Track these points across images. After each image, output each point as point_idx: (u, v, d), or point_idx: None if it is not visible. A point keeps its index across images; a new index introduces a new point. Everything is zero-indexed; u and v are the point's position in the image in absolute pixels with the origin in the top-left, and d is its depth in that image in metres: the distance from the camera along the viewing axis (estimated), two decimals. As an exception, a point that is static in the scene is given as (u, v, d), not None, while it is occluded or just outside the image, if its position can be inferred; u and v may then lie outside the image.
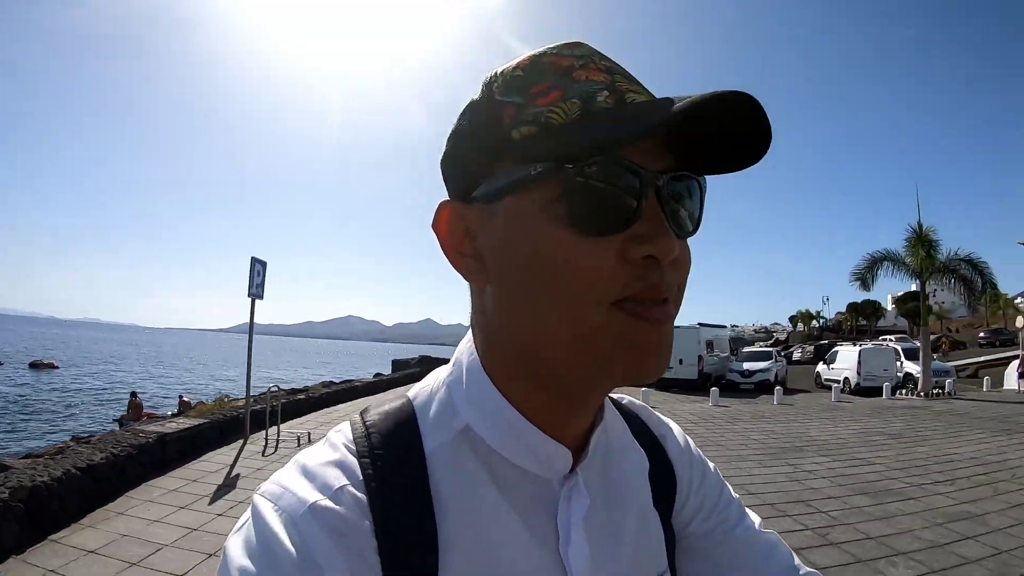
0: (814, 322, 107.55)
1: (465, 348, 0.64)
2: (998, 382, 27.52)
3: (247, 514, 0.54)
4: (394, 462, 0.57)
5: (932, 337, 46.94)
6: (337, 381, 21.57)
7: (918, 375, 24.11)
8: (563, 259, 0.51)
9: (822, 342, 54.52)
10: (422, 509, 0.55)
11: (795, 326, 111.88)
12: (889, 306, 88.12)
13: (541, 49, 0.56)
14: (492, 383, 0.59)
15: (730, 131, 0.52)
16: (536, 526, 0.59)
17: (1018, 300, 63.18)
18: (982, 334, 57.71)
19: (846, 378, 25.42)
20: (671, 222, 0.53)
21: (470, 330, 0.64)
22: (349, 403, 16.65)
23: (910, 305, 60.39)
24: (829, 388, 23.53)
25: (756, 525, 0.78)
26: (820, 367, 29.17)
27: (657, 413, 0.83)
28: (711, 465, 0.81)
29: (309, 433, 10.99)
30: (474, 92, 0.58)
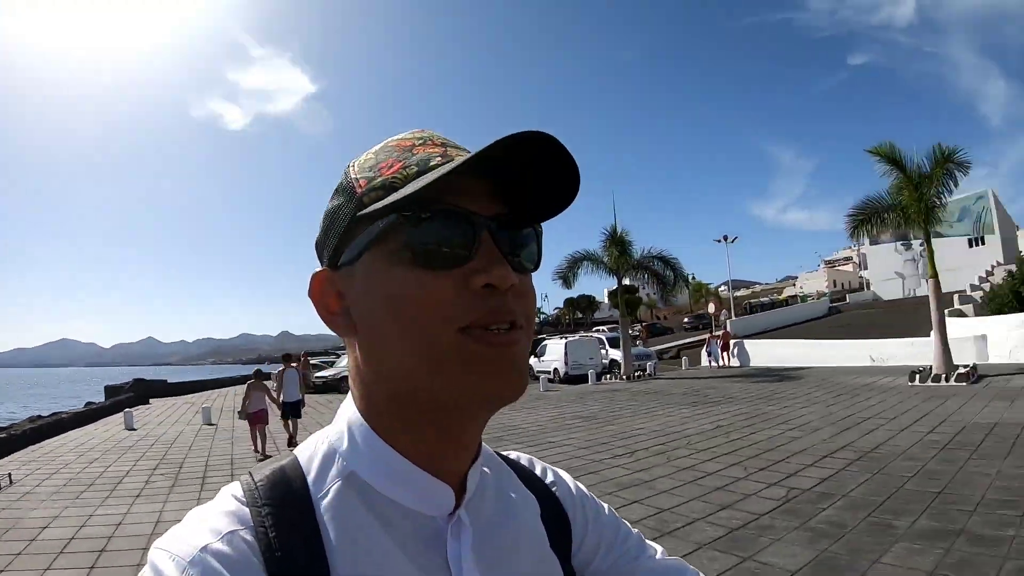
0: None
1: (347, 403, 0.72)
2: (696, 361, 33.12)
3: (144, 569, 0.59)
4: (284, 510, 0.63)
5: (640, 326, 53.94)
6: (46, 414, 21.94)
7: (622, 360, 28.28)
8: (409, 293, 0.62)
9: (540, 336, 59.15)
10: (313, 553, 0.61)
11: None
12: (605, 299, 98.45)
13: (391, 137, 0.72)
14: (371, 429, 0.68)
15: (544, 175, 0.65)
16: (427, 564, 0.65)
17: (721, 288, 74.18)
18: (686, 319, 67.66)
19: (555, 368, 29.20)
20: (508, 258, 0.64)
21: (350, 391, 0.73)
22: (57, 437, 16.62)
23: (623, 297, 68.26)
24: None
25: (659, 553, 0.89)
26: (532, 360, 32.12)
27: (544, 463, 0.92)
28: (605, 506, 0.92)
29: (10, 474, 10.93)
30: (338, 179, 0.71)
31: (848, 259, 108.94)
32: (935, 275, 18.40)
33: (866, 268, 78.11)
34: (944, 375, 16.70)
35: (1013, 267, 27.53)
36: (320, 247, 0.72)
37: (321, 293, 0.70)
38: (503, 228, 0.66)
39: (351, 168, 0.70)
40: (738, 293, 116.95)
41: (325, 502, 0.64)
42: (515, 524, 0.76)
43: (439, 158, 0.66)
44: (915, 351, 20.22)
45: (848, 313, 51.05)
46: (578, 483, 0.92)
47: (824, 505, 7.00)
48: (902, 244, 65.09)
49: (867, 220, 19.42)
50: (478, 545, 0.69)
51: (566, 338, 32.48)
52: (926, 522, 6.19)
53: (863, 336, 26.80)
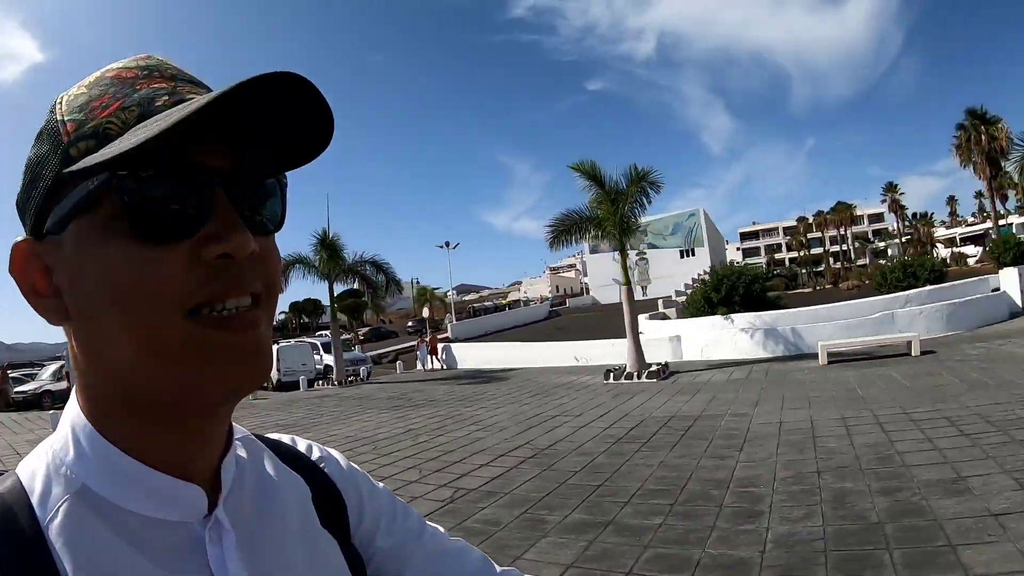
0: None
1: (71, 403, 0.64)
2: (412, 365, 33.78)
3: None
4: (6, 545, 0.55)
5: (354, 331, 54.28)
6: None
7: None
8: (129, 274, 0.53)
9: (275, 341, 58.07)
10: None
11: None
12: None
13: (109, 65, 0.62)
14: (98, 433, 0.60)
15: (291, 120, 0.58)
16: None
17: (449, 293, 77.15)
18: (410, 323, 69.15)
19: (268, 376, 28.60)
20: (247, 218, 0.58)
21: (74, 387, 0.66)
22: None
23: (348, 302, 69.28)
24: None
25: (442, 534, 0.89)
26: None
27: (309, 440, 0.89)
28: (380, 484, 0.90)
29: None
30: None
31: (572, 266, 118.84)
32: (628, 283, 20.46)
33: (587, 275, 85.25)
34: (636, 372, 18.17)
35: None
36: (21, 209, 0.62)
37: (24, 270, 0.60)
38: (241, 183, 0.59)
39: (58, 106, 0.59)
40: (468, 297, 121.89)
41: (55, 526, 0.56)
42: (282, 513, 0.72)
43: (166, 96, 0.57)
44: (615, 351, 21.74)
45: (567, 316, 54.96)
46: (348, 460, 0.89)
47: (485, 504, 7.12)
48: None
49: (567, 231, 21.22)
50: (243, 544, 0.64)
51: (279, 343, 33.07)
52: (578, 515, 6.37)
53: (579, 338, 28.68)
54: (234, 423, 0.72)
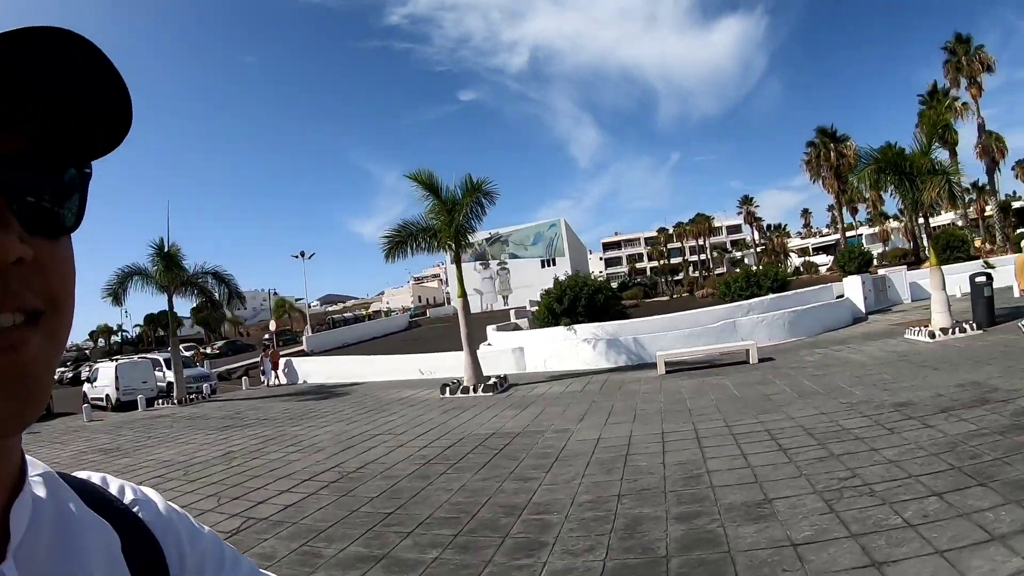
0: (114, 337, 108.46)
1: None
2: (259, 380, 33.02)
3: None
4: None
5: (220, 344, 52.37)
6: None
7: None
8: None
9: (116, 357, 55.58)
10: None
11: (96, 343, 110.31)
12: (189, 315, 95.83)
13: None
14: None
15: (84, 94, 0.52)
16: None
17: (308, 304, 75.73)
18: (266, 336, 67.51)
19: (107, 395, 28.32)
20: (32, 214, 0.51)
21: None
22: None
23: (204, 314, 66.88)
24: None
25: None
26: (86, 387, 31.64)
27: (123, 480, 0.80)
28: (205, 528, 0.81)
29: None
30: None
31: (436, 276, 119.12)
32: (464, 295, 20.22)
33: (449, 285, 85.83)
34: (473, 386, 17.98)
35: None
36: None
37: None
38: (22, 170, 0.51)
39: None
40: (332, 307, 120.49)
41: None
42: (84, 564, 0.63)
43: None
44: (459, 363, 21.33)
45: (427, 327, 54.83)
46: (169, 502, 0.80)
47: (269, 536, 6.74)
48: (480, 264, 74.35)
49: (403, 242, 20.70)
50: None
51: (116, 360, 32.01)
52: (356, 548, 6.05)
53: (435, 349, 28.20)
54: (34, 457, 0.64)
